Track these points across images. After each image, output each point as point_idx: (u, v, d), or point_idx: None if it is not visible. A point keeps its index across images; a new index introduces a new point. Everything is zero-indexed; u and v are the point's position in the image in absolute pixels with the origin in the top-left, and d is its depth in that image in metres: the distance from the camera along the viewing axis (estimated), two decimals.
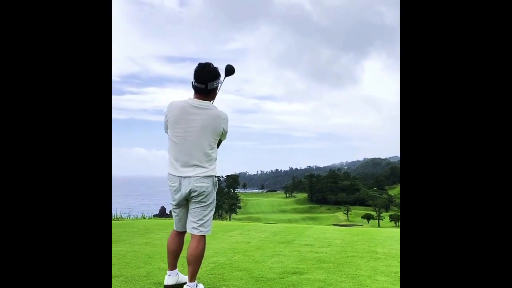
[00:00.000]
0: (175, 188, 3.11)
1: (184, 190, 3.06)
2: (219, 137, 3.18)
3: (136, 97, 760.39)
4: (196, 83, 3.09)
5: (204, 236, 3.15)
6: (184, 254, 3.23)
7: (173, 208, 3.24)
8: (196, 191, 3.05)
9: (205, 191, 3.08)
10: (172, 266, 3.26)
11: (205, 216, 3.13)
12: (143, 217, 11.17)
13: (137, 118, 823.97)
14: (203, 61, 3.14)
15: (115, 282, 3.40)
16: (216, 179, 3.25)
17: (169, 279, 3.23)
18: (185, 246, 3.22)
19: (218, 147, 3.25)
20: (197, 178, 3.05)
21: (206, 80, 3.07)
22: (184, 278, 3.25)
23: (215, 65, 3.15)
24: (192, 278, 3.06)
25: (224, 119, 3.13)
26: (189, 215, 3.17)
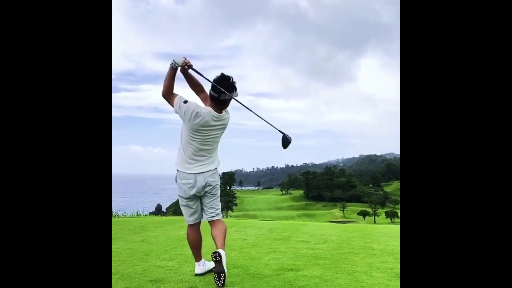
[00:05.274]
0: (190, 184, 3.49)
1: (199, 185, 3.49)
2: None
3: (131, 94, 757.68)
4: (211, 91, 3.46)
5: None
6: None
7: (187, 203, 3.60)
8: (210, 185, 3.54)
9: (217, 184, 3.62)
10: (199, 257, 3.72)
11: (219, 204, 3.69)
12: (138, 215, 11.15)
13: (133, 115, 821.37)
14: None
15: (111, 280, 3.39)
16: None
17: (199, 269, 3.68)
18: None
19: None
20: (210, 174, 3.54)
21: (220, 91, 3.41)
22: (211, 265, 3.65)
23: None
24: (222, 246, 3.47)
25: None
26: (206, 208, 3.62)
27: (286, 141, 3.69)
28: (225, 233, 3.60)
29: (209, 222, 3.67)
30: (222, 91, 3.40)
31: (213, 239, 3.55)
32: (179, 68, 3.43)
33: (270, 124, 3.72)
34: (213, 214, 3.63)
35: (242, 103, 3.62)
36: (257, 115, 3.75)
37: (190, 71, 3.52)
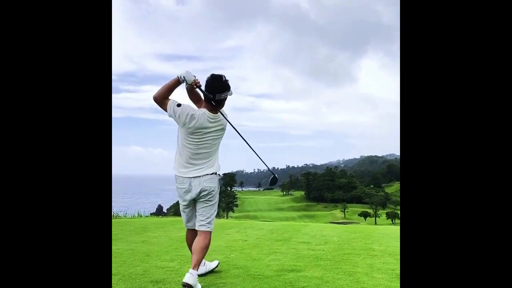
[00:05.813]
0: (185, 189, 3.40)
1: (195, 190, 3.39)
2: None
3: (132, 95, 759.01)
4: (205, 92, 3.36)
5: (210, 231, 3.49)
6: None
7: (184, 209, 3.54)
8: (205, 190, 3.40)
9: (213, 190, 3.45)
10: None
11: (212, 214, 3.51)
12: (139, 216, 11.16)
13: (134, 116, 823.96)
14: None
15: (112, 280, 3.40)
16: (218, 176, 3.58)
17: (200, 270, 3.55)
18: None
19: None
20: (206, 178, 3.40)
21: (215, 91, 3.32)
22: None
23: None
24: (196, 265, 3.27)
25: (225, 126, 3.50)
26: (197, 213, 3.49)
27: (275, 181, 4.05)
28: (205, 252, 3.39)
29: (197, 229, 3.50)
30: (217, 91, 3.30)
31: (192, 252, 3.37)
32: (184, 83, 3.35)
33: (261, 159, 3.95)
34: (202, 223, 3.45)
35: (235, 127, 3.56)
36: (245, 141, 3.80)
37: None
